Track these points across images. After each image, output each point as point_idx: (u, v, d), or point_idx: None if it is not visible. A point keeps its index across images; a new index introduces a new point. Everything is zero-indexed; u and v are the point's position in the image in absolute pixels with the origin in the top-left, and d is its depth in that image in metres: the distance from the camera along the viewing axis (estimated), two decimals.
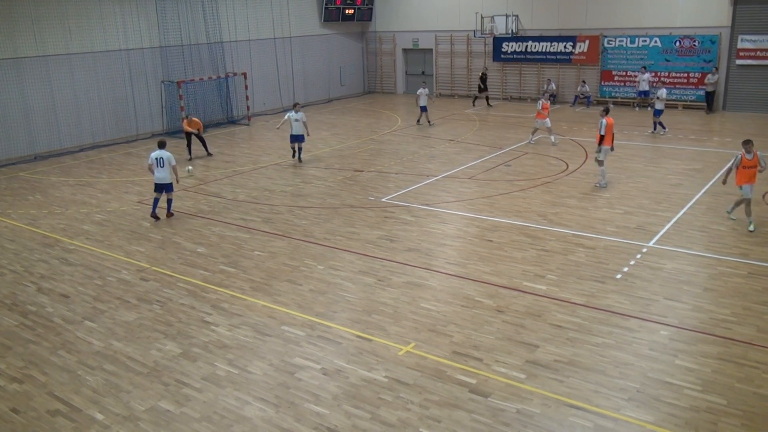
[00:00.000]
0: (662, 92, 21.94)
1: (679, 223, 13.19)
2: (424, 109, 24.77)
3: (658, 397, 7.42)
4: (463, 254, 12.04)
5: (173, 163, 14.29)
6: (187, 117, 20.86)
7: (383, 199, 15.51)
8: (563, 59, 29.12)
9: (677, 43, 26.28)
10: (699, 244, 12.02)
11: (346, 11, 32.70)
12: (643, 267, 11.05)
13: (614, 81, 28.15)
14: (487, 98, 29.50)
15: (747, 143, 12.99)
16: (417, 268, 11.36)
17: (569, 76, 29.41)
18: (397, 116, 27.75)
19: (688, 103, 26.64)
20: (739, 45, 25.15)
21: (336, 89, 33.65)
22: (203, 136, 20.76)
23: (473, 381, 7.86)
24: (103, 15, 22.88)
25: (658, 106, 21.87)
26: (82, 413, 7.52)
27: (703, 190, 15.29)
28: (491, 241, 12.56)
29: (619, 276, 10.71)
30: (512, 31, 29.65)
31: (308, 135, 19.53)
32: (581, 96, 28.41)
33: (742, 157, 12.87)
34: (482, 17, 29.87)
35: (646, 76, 26.62)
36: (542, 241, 12.43)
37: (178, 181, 14.91)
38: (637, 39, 27.15)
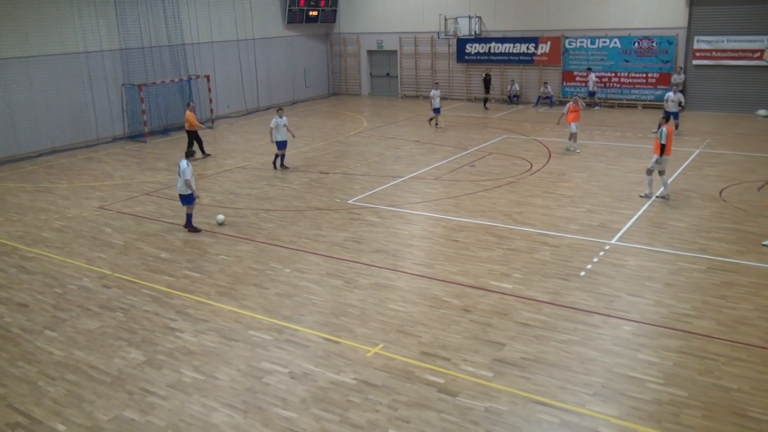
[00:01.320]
0: (669, 94, 21.72)
1: (640, 220, 13.45)
2: (437, 111, 24.48)
3: (622, 391, 7.55)
4: (429, 255, 12.09)
5: (186, 176, 13.14)
6: (188, 104, 20.83)
7: (349, 201, 15.48)
8: (526, 60, 29.48)
9: (636, 44, 26.84)
10: (659, 241, 12.27)
11: (310, 13, 32.59)
12: (606, 264, 11.24)
13: (576, 81, 28.59)
14: (485, 100, 29.30)
15: None
16: (384, 270, 11.37)
17: (532, 77, 29.78)
18: (363, 118, 27.74)
19: (648, 102, 27.22)
20: (696, 46, 25.81)
21: (301, 91, 33.51)
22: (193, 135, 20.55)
23: (441, 381, 7.89)
24: (61, 17, 22.39)
25: (672, 108, 21.32)
26: (44, 425, 7.33)
27: (662, 188, 15.60)
28: (457, 241, 12.64)
29: (583, 273, 10.88)
30: (475, 32, 29.89)
31: (293, 137, 19.25)
32: (544, 97, 28.79)
33: None
34: (446, 19, 30.06)
35: (592, 76, 27.39)
36: (508, 240, 12.55)
37: (196, 195, 13.48)
38: (597, 40, 27.65)
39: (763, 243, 11.93)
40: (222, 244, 12.96)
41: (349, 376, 8.06)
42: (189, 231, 13.67)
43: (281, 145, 18.49)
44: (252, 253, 12.42)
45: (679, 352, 8.35)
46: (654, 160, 14.73)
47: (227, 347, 8.90)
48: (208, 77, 26.79)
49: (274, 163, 18.99)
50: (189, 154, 13.66)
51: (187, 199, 13.51)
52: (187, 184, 13.23)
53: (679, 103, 21.39)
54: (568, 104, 20.06)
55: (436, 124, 24.80)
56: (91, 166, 20.32)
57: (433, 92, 24.48)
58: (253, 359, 8.56)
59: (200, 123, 20.62)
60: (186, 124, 20.23)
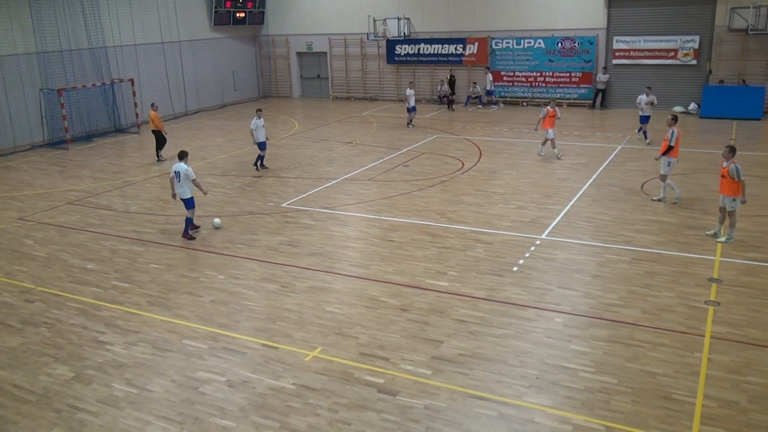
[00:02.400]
0: (641, 98, 20.60)
1: (568, 215, 13.88)
2: (413, 110, 24.57)
3: (556, 382, 7.77)
4: (365, 255, 12.11)
5: (192, 177, 12.89)
6: (152, 105, 20.79)
7: (283, 205, 15.33)
8: (455, 61, 29.95)
9: (559, 44, 27.68)
10: (587, 234, 12.70)
11: (237, 15, 32.09)
12: (538, 258, 11.55)
13: (503, 81, 29.25)
14: (450, 102, 28.93)
15: (725, 149, 11.97)
16: (320, 272, 11.31)
17: (461, 77, 30.25)
18: (294, 120, 27.53)
19: (572, 101, 28.13)
20: (615, 46, 26.86)
21: (230, 94, 32.94)
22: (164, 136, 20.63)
23: (381, 381, 7.92)
24: None
25: (647, 112, 20.54)
26: None
27: (588, 183, 16.17)
28: (392, 241, 12.71)
29: (515, 268, 11.13)
30: (404, 33, 30.18)
31: (267, 139, 18.99)
32: (473, 96, 29.32)
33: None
34: (374, 20, 30.21)
35: (489, 76, 28.50)
36: (442, 238, 12.71)
37: (205, 193, 13.48)
38: (522, 41, 28.36)
39: (707, 233, 12.36)
40: (152, 252, 12.60)
41: (288, 382, 7.98)
42: (185, 238, 13.20)
43: (264, 146, 18.35)
44: (184, 260, 12.12)
45: (608, 340, 8.67)
46: (665, 163, 14.21)
47: (160, 358, 8.65)
48: (132, 81, 25.97)
49: (255, 164, 18.78)
50: (182, 155, 13.14)
51: (188, 203, 13.12)
52: (196, 183, 12.94)
53: (652, 104, 20.58)
54: (545, 109, 18.90)
55: (410, 122, 24.85)
56: (9, 176, 19.35)
57: (408, 91, 24.65)
58: (189, 369, 8.35)
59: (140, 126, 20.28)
60: (150, 125, 20.26)
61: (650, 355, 8.26)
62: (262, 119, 18.14)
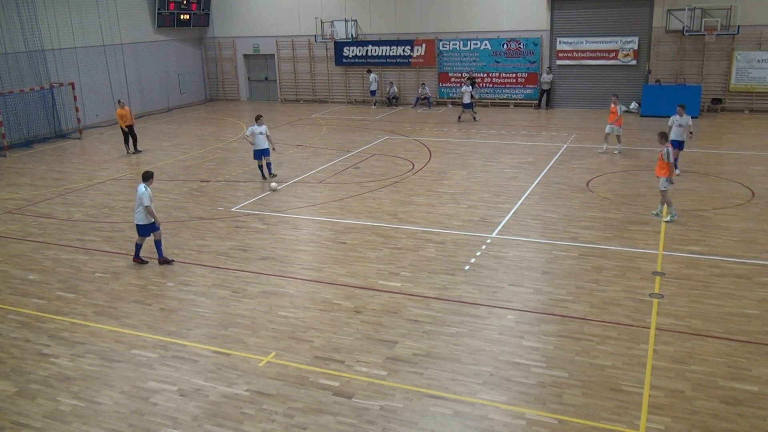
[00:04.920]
0: (674, 118, 16.48)
1: (517, 213, 14.12)
2: (468, 106, 25.27)
3: (510, 378, 7.89)
4: (317, 258, 12.05)
5: (145, 203, 11.32)
6: (119, 102, 21.91)
7: (233, 209, 15.12)
8: (403, 62, 30.11)
9: (505, 46, 28.14)
10: (536, 232, 12.94)
11: (181, 17, 31.50)
12: (488, 257, 11.71)
13: (451, 82, 29.54)
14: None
15: (657, 135, 13.39)
16: (272, 276, 11.20)
17: (409, 78, 30.44)
18: (242, 123, 27.18)
19: (518, 101, 28.64)
20: (558, 47, 27.48)
21: (175, 98, 32.31)
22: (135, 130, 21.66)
23: (336, 384, 7.89)
24: None
25: (676, 136, 16.22)
26: None
27: (536, 182, 16.48)
28: (345, 243, 12.69)
29: (467, 267, 11.26)
30: (352, 35, 30.19)
31: (273, 149, 17.72)
32: (422, 98, 29.52)
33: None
34: (322, 22, 30.12)
35: (372, 77, 29.70)
36: (394, 239, 12.76)
37: (157, 222, 11.69)
38: (469, 42, 28.72)
39: (653, 213, 13.17)
40: (98, 261, 12.25)
41: (241, 388, 7.88)
42: (160, 263, 11.85)
43: (259, 154, 17.32)
44: (131, 268, 11.82)
45: (558, 335, 8.85)
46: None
47: (109, 369, 8.42)
48: (72, 85, 25.19)
49: (263, 175, 17.62)
50: (147, 177, 11.66)
51: (145, 230, 11.70)
52: (148, 211, 11.44)
53: (689, 130, 16.63)
54: (619, 106, 18.65)
55: (474, 118, 25.66)
56: None
57: (464, 88, 25.38)
58: (138, 379, 8.15)
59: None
60: (120, 122, 21.22)
61: (599, 349, 8.47)
62: (263, 126, 17.11)
